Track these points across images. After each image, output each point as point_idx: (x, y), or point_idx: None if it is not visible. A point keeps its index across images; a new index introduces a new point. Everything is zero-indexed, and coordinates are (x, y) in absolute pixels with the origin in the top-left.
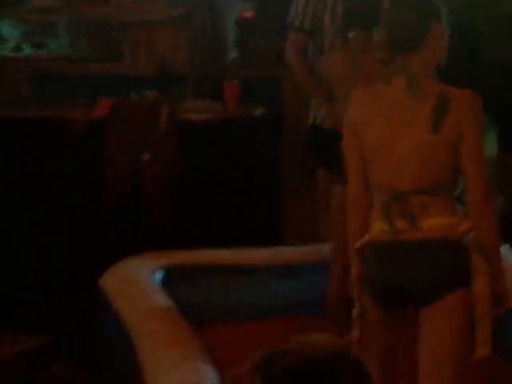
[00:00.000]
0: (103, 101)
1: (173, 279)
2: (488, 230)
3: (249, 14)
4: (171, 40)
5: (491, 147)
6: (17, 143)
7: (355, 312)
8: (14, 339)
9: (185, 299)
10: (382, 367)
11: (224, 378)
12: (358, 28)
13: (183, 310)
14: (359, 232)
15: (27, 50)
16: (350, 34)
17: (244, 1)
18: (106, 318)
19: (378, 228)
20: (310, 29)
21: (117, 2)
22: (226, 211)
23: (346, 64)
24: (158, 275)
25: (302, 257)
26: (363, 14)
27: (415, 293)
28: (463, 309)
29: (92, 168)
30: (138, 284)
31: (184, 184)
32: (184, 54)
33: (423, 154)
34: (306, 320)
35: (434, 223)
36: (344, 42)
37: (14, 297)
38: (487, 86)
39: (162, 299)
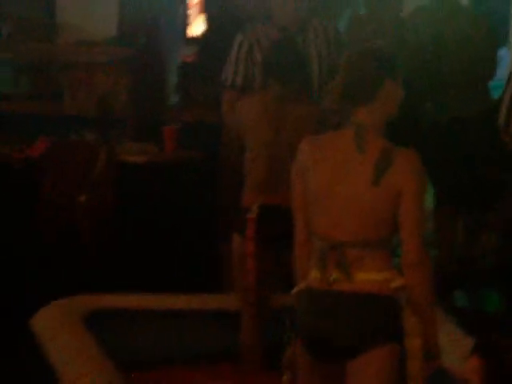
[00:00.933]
0: (41, 140)
1: (103, 323)
2: (421, 285)
3: (191, 59)
4: (112, 82)
5: (428, 201)
6: None
7: (286, 356)
8: None
9: (114, 343)
10: None
11: None
12: (276, 78)
13: (112, 355)
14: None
15: None
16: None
17: (187, 45)
18: (35, 360)
19: (314, 276)
20: (241, 85)
21: (60, 42)
22: (162, 255)
23: (256, 110)
24: (88, 318)
25: (233, 304)
26: (282, 65)
27: (341, 344)
28: (389, 365)
29: (27, 207)
30: (67, 326)
31: (120, 226)
32: (124, 97)
33: (362, 207)
34: (231, 367)
35: (368, 277)
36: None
37: None
38: (425, 145)
39: (90, 343)
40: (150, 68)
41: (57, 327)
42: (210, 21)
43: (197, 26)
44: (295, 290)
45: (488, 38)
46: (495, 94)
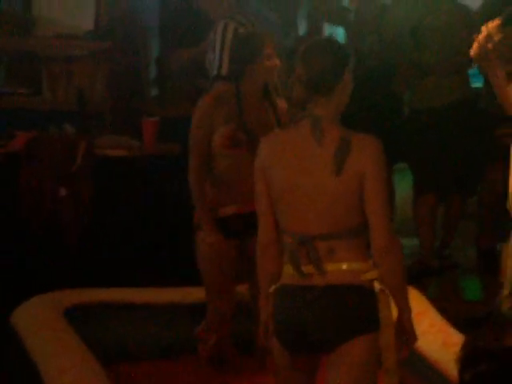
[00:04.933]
0: (20, 134)
1: (84, 317)
2: (392, 269)
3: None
4: (90, 75)
5: (406, 189)
6: None
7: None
8: None
9: (95, 338)
10: None
11: None
12: None
13: (93, 349)
14: (270, 278)
15: None
16: None
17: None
18: (16, 355)
19: (287, 272)
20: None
21: (37, 35)
22: (143, 248)
23: None
24: (69, 313)
25: None
26: None
27: (318, 338)
28: (368, 354)
29: (8, 202)
30: (48, 322)
31: (101, 220)
32: (103, 89)
33: (327, 199)
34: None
35: (341, 268)
36: None
37: None
38: (405, 133)
39: (71, 337)
40: (127, 61)
41: (38, 322)
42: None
43: None
44: (272, 288)
45: (466, 26)
46: (474, 82)
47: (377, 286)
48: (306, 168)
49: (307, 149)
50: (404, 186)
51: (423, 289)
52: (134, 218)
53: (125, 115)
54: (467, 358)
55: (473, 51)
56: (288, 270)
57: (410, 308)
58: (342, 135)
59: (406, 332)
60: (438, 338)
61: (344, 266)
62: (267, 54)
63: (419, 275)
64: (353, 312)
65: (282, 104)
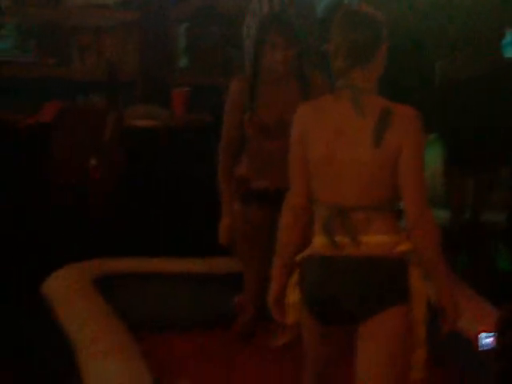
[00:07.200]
0: (50, 105)
1: (114, 286)
2: (427, 245)
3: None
4: (120, 45)
5: (436, 161)
6: None
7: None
8: None
9: (126, 307)
10: (319, 381)
11: None
12: None
13: (124, 318)
14: (295, 246)
15: None
16: None
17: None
18: (48, 324)
19: (320, 242)
20: None
21: (67, 5)
22: (172, 218)
23: None
24: (99, 282)
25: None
26: None
27: (350, 308)
28: (399, 327)
29: (39, 172)
30: (79, 291)
31: (130, 190)
32: (133, 60)
33: (366, 170)
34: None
35: (375, 240)
36: None
37: None
38: (436, 106)
39: (102, 306)
40: (158, 31)
41: (69, 291)
42: None
43: None
44: (299, 257)
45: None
46: (507, 52)
47: (409, 258)
48: (345, 140)
49: (347, 120)
50: (433, 158)
51: (453, 258)
52: (164, 187)
53: (155, 85)
54: (502, 327)
55: None
56: (320, 240)
57: (446, 283)
58: (383, 106)
59: (446, 308)
60: (467, 308)
61: (377, 238)
62: (271, 41)
63: (448, 245)
64: (385, 283)
65: (317, 79)
